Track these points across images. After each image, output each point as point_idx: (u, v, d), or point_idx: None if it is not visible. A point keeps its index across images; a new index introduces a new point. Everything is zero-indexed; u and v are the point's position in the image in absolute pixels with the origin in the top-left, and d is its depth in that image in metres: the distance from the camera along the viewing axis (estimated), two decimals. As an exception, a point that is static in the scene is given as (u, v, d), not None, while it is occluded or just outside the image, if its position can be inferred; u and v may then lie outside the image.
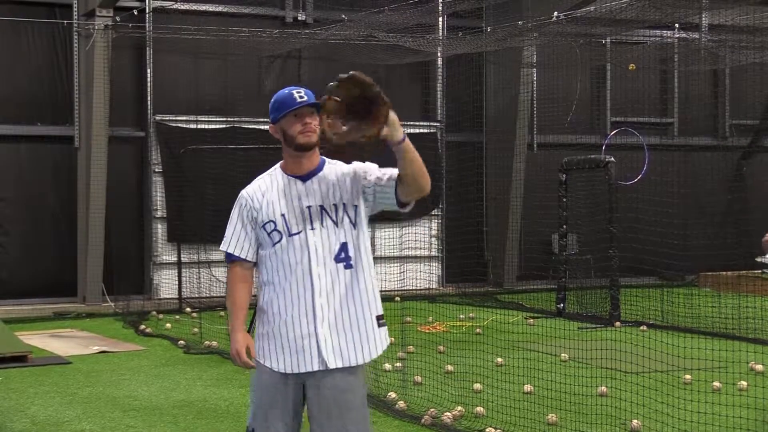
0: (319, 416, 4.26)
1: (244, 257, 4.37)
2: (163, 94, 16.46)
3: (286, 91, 4.31)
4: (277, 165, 4.43)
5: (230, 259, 4.40)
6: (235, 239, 4.36)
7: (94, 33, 15.20)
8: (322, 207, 4.28)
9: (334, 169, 4.37)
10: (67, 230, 15.91)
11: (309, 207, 4.28)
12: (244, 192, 4.40)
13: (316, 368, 4.23)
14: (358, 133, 3.98)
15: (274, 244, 4.29)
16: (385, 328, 4.37)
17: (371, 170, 4.34)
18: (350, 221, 4.29)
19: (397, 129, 4.02)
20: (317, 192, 4.30)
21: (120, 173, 16.04)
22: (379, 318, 4.34)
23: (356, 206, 4.30)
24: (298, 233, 4.26)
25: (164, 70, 16.52)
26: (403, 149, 4.07)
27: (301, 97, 4.25)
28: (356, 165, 4.39)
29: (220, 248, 4.41)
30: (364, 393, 4.39)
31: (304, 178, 4.32)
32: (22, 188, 15.85)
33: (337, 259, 4.26)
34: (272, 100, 4.36)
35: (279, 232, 4.28)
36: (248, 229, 4.35)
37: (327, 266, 4.25)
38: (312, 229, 4.26)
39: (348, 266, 4.28)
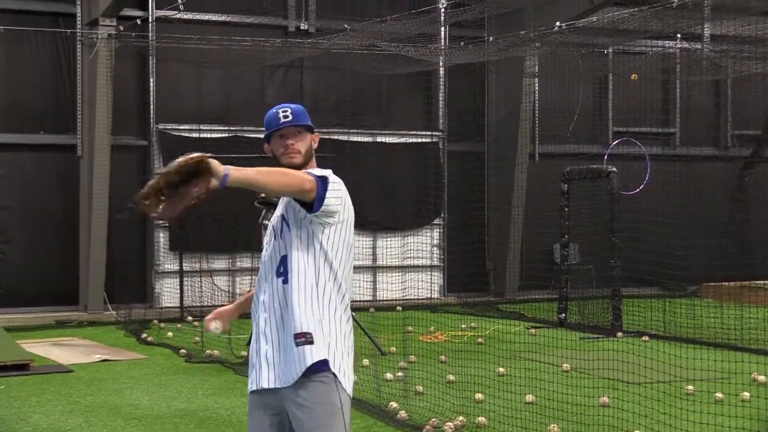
0: None
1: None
2: (165, 103, 16.48)
3: (273, 110, 4.22)
4: None
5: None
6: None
7: (97, 42, 15.23)
8: (282, 216, 4.15)
9: None
10: (70, 239, 15.92)
11: (279, 216, 4.17)
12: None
13: (263, 386, 4.04)
14: (189, 199, 3.82)
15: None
16: (306, 347, 3.96)
17: None
18: (297, 234, 4.06)
19: (218, 174, 3.75)
20: (282, 202, 4.20)
21: (122, 182, 16.03)
22: (297, 336, 3.98)
23: (300, 219, 4.05)
24: (266, 244, 4.20)
25: (167, 79, 16.55)
26: (237, 184, 3.79)
27: (285, 116, 4.16)
28: None
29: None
30: (324, 416, 3.99)
31: None
32: (25, 197, 15.86)
33: (277, 273, 4.08)
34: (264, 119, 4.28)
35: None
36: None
37: (271, 280, 4.10)
38: (274, 239, 4.15)
39: (285, 281, 4.04)
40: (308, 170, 4.10)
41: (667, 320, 13.45)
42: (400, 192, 17.48)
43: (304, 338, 3.98)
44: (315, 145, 4.27)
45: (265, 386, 4.04)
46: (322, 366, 3.97)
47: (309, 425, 3.96)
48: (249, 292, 4.40)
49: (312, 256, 4.04)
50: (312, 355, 3.97)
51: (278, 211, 4.20)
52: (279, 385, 4.00)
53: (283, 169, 3.96)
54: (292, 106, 4.24)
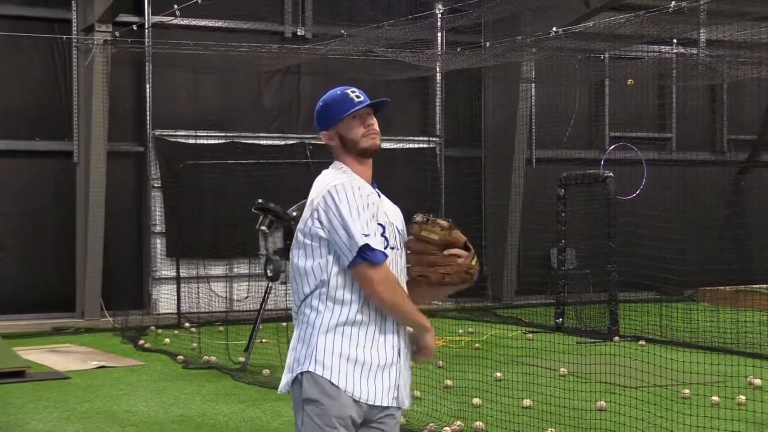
0: None
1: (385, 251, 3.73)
2: (162, 109, 16.47)
3: (338, 92, 3.88)
4: (349, 170, 3.89)
5: (383, 257, 3.68)
6: (373, 233, 3.68)
7: (93, 48, 15.24)
8: (397, 229, 3.92)
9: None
10: (66, 245, 15.90)
11: (393, 224, 3.89)
12: (357, 182, 3.78)
13: (391, 404, 3.83)
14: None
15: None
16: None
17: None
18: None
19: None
20: (391, 210, 3.94)
21: (119, 188, 16.04)
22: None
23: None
24: (393, 248, 3.81)
25: (163, 85, 16.54)
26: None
27: (357, 97, 3.83)
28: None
29: (362, 242, 3.63)
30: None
31: (378, 193, 3.91)
32: (21, 203, 15.84)
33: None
34: (321, 104, 3.94)
35: (386, 238, 3.77)
36: (375, 221, 3.75)
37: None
38: (399, 249, 3.86)
39: None
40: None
41: (663, 324, 13.47)
42: (397, 197, 17.34)
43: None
44: None
45: (405, 405, 3.91)
46: None
47: None
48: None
49: None
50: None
51: (392, 216, 3.92)
52: (405, 406, 3.93)
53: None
54: (356, 88, 3.94)
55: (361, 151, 3.85)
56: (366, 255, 3.63)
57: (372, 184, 3.91)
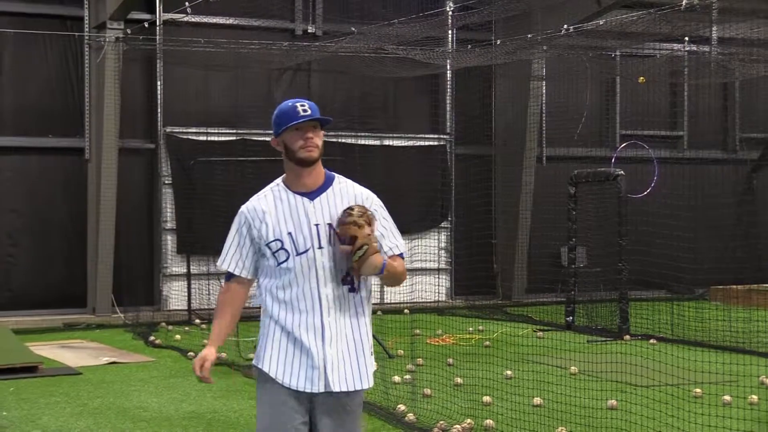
0: None
1: (243, 275, 4.33)
2: (173, 106, 16.50)
3: (289, 103, 4.25)
4: (279, 180, 4.35)
5: (228, 277, 4.38)
6: (236, 257, 4.32)
7: (105, 45, 15.28)
8: (330, 225, 4.21)
9: (346, 189, 4.30)
10: (77, 242, 15.95)
11: (317, 225, 4.21)
12: (244, 208, 4.32)
13: (321, 390, 4.18)
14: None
15: (280, 263, 4.21)
16: (372, 359, 4.36)
17: (387, 237, 4.33)
18: None
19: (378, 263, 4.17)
20: (326, 210, 4.23)
21: (130, 185, 16.08)
22: (365, 346, 4.32)
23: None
24: (306, 251, 4.19)
25: (174, 83, 16.57)
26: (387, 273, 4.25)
27: (304, 110, 4.18)
28: (378, 208, 4.33)
29: (218, 265, 4.40)
30: (359, 419, 4.40)
31: (312, 195, 4.24)
32: (33, 200, 15.90)
33: (344, 281, 4.22)
34: (275, 112, 4.30)
35: (286, 251, 4.19)
36: (248, 245, 4.29)
37: (334, 287, 4.21)
38: (320, 247, 4.19)
39: (352, 290, 4.25)
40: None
41: (674, 323, 13.44)
42: (408, 195, 17.45)
43: (371, 350, 4.33)
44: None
45: (335, 389, 4.18)
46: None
47: (353, 428, 4.29)
48: (217, 332, 4.40)
49: None
50: (372, 366, 4.34)
51: (324, 215, 4.22)
52: (346, 389, 4.20)
53: (404, 267, 4.31)
54: (307, 101, 4.27)
55: (298, 161, 4.22)
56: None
57: (319, 190, 4.25)
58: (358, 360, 4.25)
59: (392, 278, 4.28)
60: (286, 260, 4.19)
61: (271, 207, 4.25)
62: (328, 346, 4.18)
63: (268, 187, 4.35)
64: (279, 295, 4.23)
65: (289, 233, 4.20)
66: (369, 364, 4.29)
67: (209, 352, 4.32)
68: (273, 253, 4.22)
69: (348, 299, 4.24)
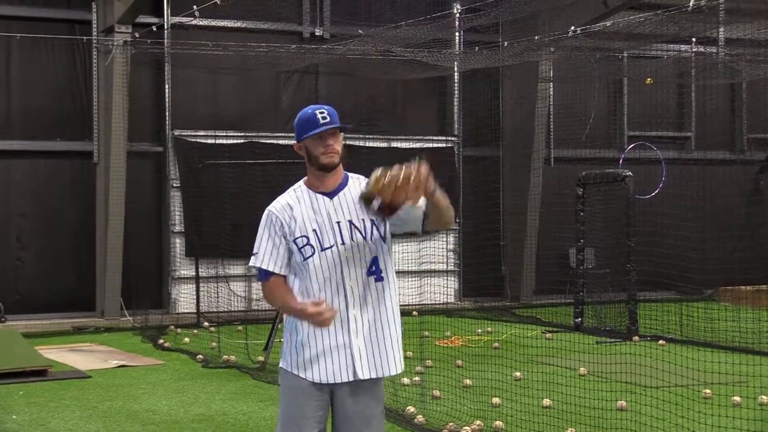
0: (344, 426, 4.40)
1: (279, 272, 4.45)
2: (181, 110, 16.54)
3: (309, 110, 4.40)
4: (301, 182, 4.51)
5: (266, 276, 4.47)
6: (269, 255, 4.43)
7: (113, 49, 15.32)
8: (351, 222, 4.37)
9: (360, 185, 4.42)
10: (86, 245, 15.99)
11: (338, 222, 4.37)
12: (272, 208, 4.46)
13: (350, 379, 4.34)
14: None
15: (305, 259, 4.36)
16: (399, 347, 4.48)
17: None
18: (380, 235, 4.40)
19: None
20: (345, 207, 4.40)
21: (138, 188, 16.11)
22: (393, 334, 4.44)
23: (385, 221, 4.38)
24: (330, 247, 4.34)
25: (183, 86, 16.60)
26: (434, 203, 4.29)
27: (324, 118, 4.34)
28: None
29: (253, 264, 4.47)
30: (383, 405, 4.52)
31: (331, 194, 4.42)
32: (42, 203, 15.94)
33: (369, 272, 4.37)
34: (296, 118, 4.44)
35: (311, 246, 4.35)
36: (280, 244, 4.42)
37: (359, 279, 4.35)
38: (343, 243, 4.35)
39: (379, 279, 4.40)
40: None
41: (683, 324, 13.42)
42: (415, 197, 17.42)
43: (398, 335, 4.43)
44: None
45: (362, 377, 4.33)
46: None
47: (375, 415, 4.43)
48: (290, 296, 4.43)
49: (391, 256, 4.47)
50: (400, 351, 4.45)
51: (345, 213, 4.37)
52: (374, 376, 4.36)
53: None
54: (327, 107, 4.44)
55: (320, 167, 4.40)
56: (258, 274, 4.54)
57: (337, 190, 4.43)
58: (386, 346, 4.38)
59: (438, 209, 4.27)
60: (312, 255, 4.35)
61: (294, 206, 4.43)
62: (355, 337, 4.33)
63: (290, 188, 4.52)
64: (305, 289, 4.37)
65: (314, 230, 4.37)
66: (397, 350, 4.41)
67: (302, 304, 4.32)
68: (299, 249, 4.37)
69: (374, 289, 4.37)
